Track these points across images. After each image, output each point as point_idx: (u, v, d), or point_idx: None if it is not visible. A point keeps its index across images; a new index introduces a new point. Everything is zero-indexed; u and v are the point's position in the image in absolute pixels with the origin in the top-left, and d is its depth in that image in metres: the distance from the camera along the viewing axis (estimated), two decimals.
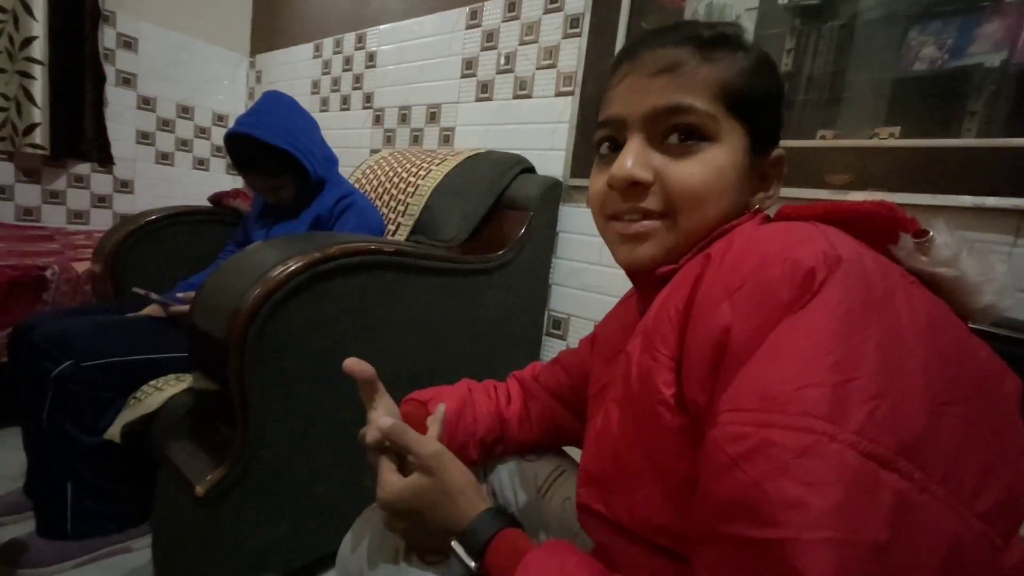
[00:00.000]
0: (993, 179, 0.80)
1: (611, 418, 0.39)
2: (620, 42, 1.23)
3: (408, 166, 1.41)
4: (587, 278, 1.33)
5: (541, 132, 1.42)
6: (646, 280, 0.43)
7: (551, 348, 1.41)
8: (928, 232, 0.33)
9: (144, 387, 0.93)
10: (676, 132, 0.39)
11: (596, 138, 0.44)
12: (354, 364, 0.50)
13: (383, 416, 0.49)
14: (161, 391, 0.91)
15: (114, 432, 0.89)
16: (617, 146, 0.42)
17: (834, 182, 0.94)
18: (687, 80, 0.38)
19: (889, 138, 0.88)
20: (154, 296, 1.08)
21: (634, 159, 0.39)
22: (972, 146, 0.82)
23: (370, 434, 0.48)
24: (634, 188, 0.40)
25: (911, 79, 0.86)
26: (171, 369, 0.98)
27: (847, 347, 0.26)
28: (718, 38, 0.39)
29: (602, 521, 0.40)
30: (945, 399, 0.26)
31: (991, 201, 0.81)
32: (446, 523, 0.43)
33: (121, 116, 2.10)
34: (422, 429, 0.54)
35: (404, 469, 0.47)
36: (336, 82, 2.07)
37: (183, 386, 0.92)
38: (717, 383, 0.30)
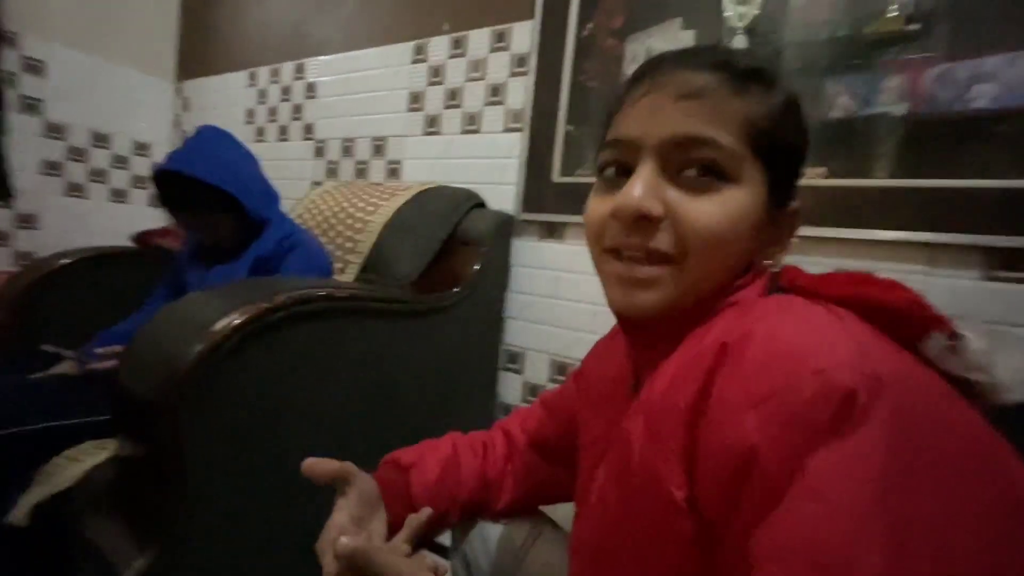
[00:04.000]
0: (906, 215, 0.89)
1: (607, 498, 0.37)
2: (566, 82, 1.27)
3: (356, 201, 1.37)
4: (542, 311, 1.33)
5: (491, 167, 1.43)
6: (637, 331, 0.40)
7: (508, 383, 1.39)
8: (961, 335, 0.31)
9: (56, 459, 0.81)
10: (695, 166, 0.35)
11: (601, 159, 0.39)
12: (312, 468, 0.45)
13: (342, 534, 0.41)
14: (78, 462, 0.80)
15: (19, 515, 0.77)
16: (624, 171, 0.37)
17: None
18: (715, 111, 0.34)
19: (817, 178, 0.96)
20: (67, 353, 0.96)
21: (645, 189, 0.35)
22: (886, 186, 0.91)
23: (334, 546, 0.38)
24: (641, 222, 0.35)
25: (832, 124, 0.95)
26: (88, 435, 0.86)
27: (900, 500, 0.24)
28: (754, 71, 0.36)
29: None
30: (1001, 548, 0.25)
31: (904, 235, 0.90)
32: None
33: (23, 144, 1.89)
34: (401, 500, 0.51)
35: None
36: (273, 112, 1.99)
37: (105, 455, 0.81)
38: (742, 496, 0.28)
